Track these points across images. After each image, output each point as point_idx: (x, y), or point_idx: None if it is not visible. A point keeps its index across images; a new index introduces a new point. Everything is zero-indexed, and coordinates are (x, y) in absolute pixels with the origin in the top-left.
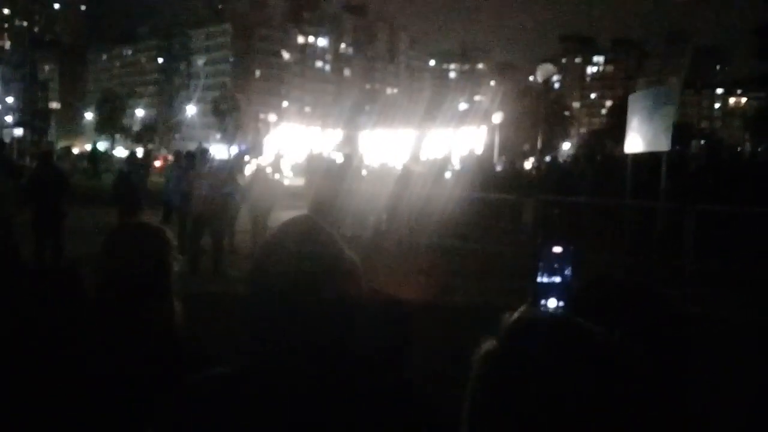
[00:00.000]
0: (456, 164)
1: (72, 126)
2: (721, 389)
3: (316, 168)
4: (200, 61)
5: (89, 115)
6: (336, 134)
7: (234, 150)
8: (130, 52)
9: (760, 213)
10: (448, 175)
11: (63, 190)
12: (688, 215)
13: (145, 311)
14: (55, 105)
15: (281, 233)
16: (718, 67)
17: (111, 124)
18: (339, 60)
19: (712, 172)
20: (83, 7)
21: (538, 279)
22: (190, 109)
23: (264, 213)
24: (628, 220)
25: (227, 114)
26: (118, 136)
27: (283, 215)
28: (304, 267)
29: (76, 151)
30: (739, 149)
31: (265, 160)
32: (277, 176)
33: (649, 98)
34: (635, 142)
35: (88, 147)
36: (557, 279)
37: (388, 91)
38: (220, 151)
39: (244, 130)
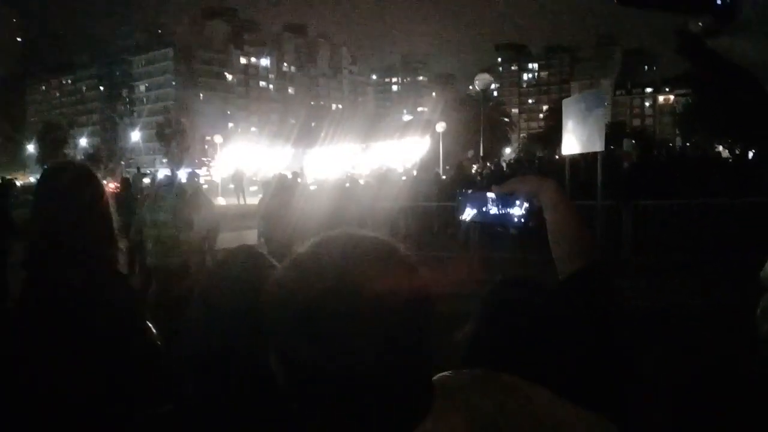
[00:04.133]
0: (402, 174)
1: (13, 159)
2: (657, 370)
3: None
4: (142, 87)
5: (31, 147)
6: (284, 152)
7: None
8: (69, 81)
9: (692, 205)
10: (396, 184)
11: (3, 226)
12: (625, 212)
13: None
14: None
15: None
16: (646, 67)
17: (53, 155)
18: (282, 79)
19: (644, 168)
20: (19, 39)
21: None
22: (135, 136)
23: (205, 236)
24: None
25: (172, 138)
26: None
27: (230, 237)
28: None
29: (19, 184)
30: (670, 144)
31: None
32: (220, 199)
33: (582, 102)
34: (571, 144)
35: (33, 179)
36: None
37: (333, 107)
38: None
39: (191, 153)
